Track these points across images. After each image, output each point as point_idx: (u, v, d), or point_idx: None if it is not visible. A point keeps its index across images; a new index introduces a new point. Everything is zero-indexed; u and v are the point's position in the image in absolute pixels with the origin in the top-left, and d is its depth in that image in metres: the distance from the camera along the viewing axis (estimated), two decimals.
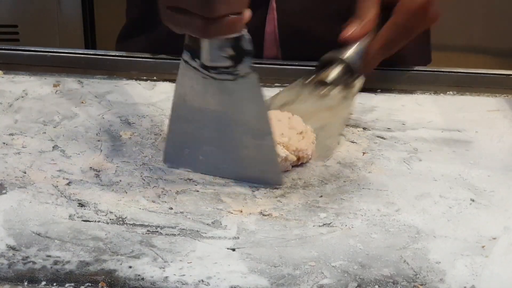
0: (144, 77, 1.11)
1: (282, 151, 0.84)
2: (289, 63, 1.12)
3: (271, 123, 0.80)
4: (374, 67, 1.02)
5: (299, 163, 0.87)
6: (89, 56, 1.13)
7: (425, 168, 0.88)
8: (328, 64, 0.99)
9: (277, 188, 0.83)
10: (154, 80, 1.10)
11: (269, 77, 1.09)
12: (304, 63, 1.09)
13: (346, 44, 0.99)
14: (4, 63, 1.13)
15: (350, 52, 0.99)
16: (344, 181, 0.85)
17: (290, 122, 0.89)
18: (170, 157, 0.86)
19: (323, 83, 0.98)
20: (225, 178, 0.84)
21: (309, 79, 0.99)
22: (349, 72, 0.98)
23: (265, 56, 1.13)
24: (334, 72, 0.98)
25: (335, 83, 0.98)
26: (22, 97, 1.04)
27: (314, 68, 1.00)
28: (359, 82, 0.98)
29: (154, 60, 1.13)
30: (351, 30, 0.99)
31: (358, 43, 0.99)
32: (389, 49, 1.00)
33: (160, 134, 0.94)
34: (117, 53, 1.14)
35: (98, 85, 1.07)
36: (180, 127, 0.84)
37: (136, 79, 1.10)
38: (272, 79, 1.10)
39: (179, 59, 1.09)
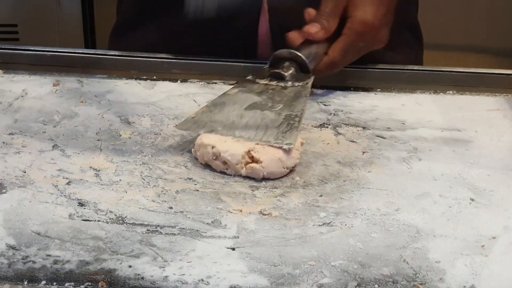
0: (144, 77, 1.11)
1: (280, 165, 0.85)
2: None
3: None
4: (324, 75, 1.04)
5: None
6: (88, 55, 1.13)
7: (425, 167, 0.88)
8: (281, 61, 0.99)
9: (277, 188, 0.83)
10: (154, 80, 1.10)
11: None
12: None
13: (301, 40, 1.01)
14: (4, 63, 1.13)
15: (306, 52, 0.99)
16: (344, 181, 0.85)
17: None
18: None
19: (278, 77, 0.97)
20: (226, 177, 0.84)
21: (261, 75, 0.98)
22: (303, 71, 0.99)
23: (258, 57, 1.14)
24: (290, 70, 0.98)
25: (290, 78, 0.97)
26: (22, 96, 1.04)
27: (266, 63, 1.00)
28: (311, 81, 0.98)
29: (154, 59, 1.13)
30: (316, 29, 1.01)
31: (314, 45, 1.01)
32: (340, 63, 1.03)
33: (160, 134, 0.94)
34: (116, 53, 1.14)
35: (97, 84, 1.07)
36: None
37: (135, 79, 1.10)
38: None
39: (178, 59, 1.10)
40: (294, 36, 1.02)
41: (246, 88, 0.96)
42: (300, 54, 0.98)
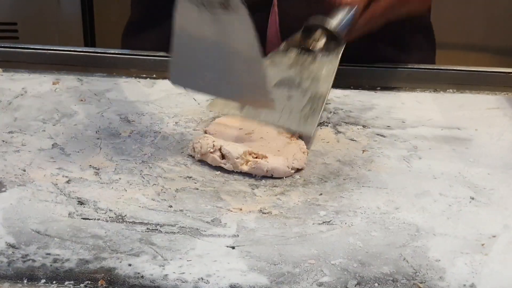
0: (144, 75, 1.11)
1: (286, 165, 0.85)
2: None
3: (260, 50, 0.82)
4: (356, 37, 1.01)
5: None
6: (88, 54, 1.13)
7: (425, 166, 0.88)
8: (312, 30, 0.99)
9: (277, 186, 0.83)
10: (154, 78, 1.10)
11: None
12: None
13: (333, 8, 1.00)
14: (3, 61, 1.13)
15: (336, 21, 0.98)
16: (344, 179, 0.85)
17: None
18: (175, 78, 0.89)
19: (308, 50, 0.98)
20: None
21: (292, 45, 0.99)
22: (333, 40, 0.98)
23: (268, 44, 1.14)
24: (321, 41, 0.98)
25: (320, 51, 0.98)
26: (22, 95, 1.04)
27: (297, 33, 1.00)
28: (341, 51, 0.98)
29: (153, 58, 1.13)
30: None
31: (345, 11, 0.99)
32: (376, 21, 1.02)
33: (160, 132, 0.94)
34: (116, 51, 1.14)
35: (97, 83, 1.07)
36: (182, 52, 0.87)
37: (135, 77, 1.10)
38: None
39: None
40: None
41: (277, 61, 0.97)
42: (331, 22, 0.97)
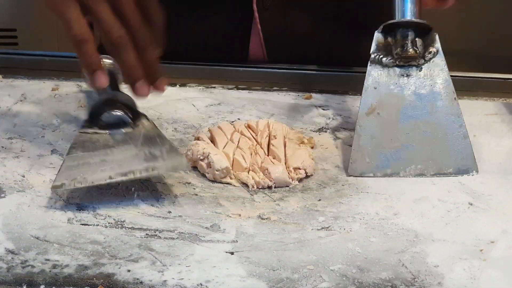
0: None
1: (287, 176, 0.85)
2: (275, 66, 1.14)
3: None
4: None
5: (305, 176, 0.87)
6: None
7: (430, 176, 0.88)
8: (391, 32, 0.91)
9: (275, 192, 0.83)
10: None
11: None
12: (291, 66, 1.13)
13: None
14: (3, 67, 1.13)
15: (410, 9, 0.91)
16: (343, 185, 0.85)
17: (287, 134, 0.90)
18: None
19: (407, 58, 0.90)
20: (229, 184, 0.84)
21: (386, 50, 0.91)
22: (420, 31, 0.90)
23: (250, 57, 1.15)
24: (416, 40, 0.90)
25: (421, 52, 0.90)
26: (21, 101, 1.04)
27: (379, 34, 0.91)
28: (439, 44, 0.91)
29: None
30: None
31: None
32: None
33: None
34: None
35: None
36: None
37: None
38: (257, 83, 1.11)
39: (177, 63, 1.10)
40: None
41: (379, 81, 0.90)
42: (421, 21, 0.90)
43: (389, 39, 0.91)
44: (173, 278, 0.68)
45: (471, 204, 0.81)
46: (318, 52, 1.15)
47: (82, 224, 0.76)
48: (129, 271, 0.69)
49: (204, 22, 1.15)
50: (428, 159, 0.87)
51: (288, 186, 0.84)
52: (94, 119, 0.87)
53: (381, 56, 0.90)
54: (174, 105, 1.04)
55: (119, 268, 0.69)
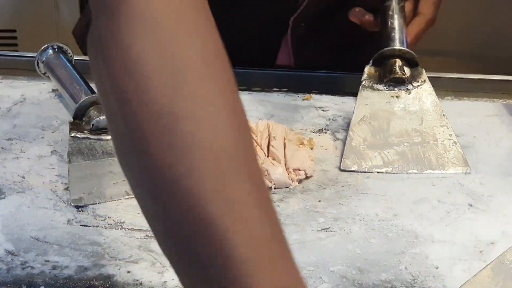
0: None
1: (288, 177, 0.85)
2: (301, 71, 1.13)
3: None
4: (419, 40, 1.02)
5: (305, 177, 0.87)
6: (87, 61, 1.13)
7: (423, 172, 0.88)
8: (386, 59, 0.97)
9: (275, 193, 0.83)
10: None
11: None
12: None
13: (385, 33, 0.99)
14: (2, 68, 1.13)
15: (400, 41, 0.97)
16: (343, 186, 0.85)
17: (287, 135, 0.90)
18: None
19: (397, 81, 0.95)
20: None
21: (374, 80, 0.97)
22: (410, 64, 0.97)
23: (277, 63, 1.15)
24: (405, 67, 0.96)
25: (409, 78, 0.96)
26: (21, 102, 1.04)
27: (368, 67, 0.97)
28: (425, 75, 0.96)
29: None
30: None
31: (398, 30, 0.98)
32: (435, 15, 1.02)
33: None
34: None
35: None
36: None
37: None
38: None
39: None
40: (359, 12, 1.02)
41: (370, 100, 0.95)
42: (409, 50, 0.96)
43: (379, 69, 0.97)
44: (173, 279, 0.68)
45: (471, 205, 0.81)
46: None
47: (82, 225, 0.76)
48: (129, 272, 0.69)
49: (239, 27, 1.15)
50: (419, 158, 0.89)
51: (288, 187, 0.84)
52: (80, 120, 0.88)
53: (371, 83, 0.96)
54: None
55: (119, 269, 0.69)
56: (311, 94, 1.08)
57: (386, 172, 0.88)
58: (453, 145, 0.90)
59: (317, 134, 0.97)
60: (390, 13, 1.00)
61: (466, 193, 0.84)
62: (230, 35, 1.15)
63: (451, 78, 1.11)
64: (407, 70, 0.96)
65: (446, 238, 0.75)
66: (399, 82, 0.96)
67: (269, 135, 0.90)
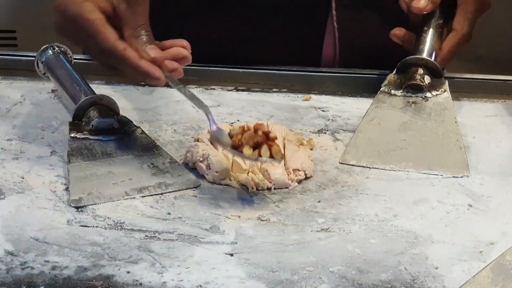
0: (142, 83, 1.11)
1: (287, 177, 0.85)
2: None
3: None
4: (454, 56, 1.03)
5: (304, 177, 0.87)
6: (87, 61, 1.13)
7: (423, 173, 0.88)
8: (409, 67, 0.98)
9: (275, 193, 0.83)
10: (152, 86, 1.10)
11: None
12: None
13: (415, 23, 1.01)
14: (2, 68, 1.13)
15: (427, 53, 0.98)
16: (342, 186, 0.85)
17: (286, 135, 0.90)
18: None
19: (416, 87, 0.96)
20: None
21: (393, 86, 0.98)
22: (434, 75, 0.98)
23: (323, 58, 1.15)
24: (426, 76, 0.97)
25: (428, 87, 0.96)
26: (20, 102, 1.04)
27: (392, 73, 0.99)
28: (447, 86, 0.97)
29: None
30: (424, 3, 1.01)
31: (429, 43, 1.00)
32: (470, 33, 1.03)
33: (158, 139, 0.94)
34: None
35: (96, 90, 1.06)
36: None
37: (134, 84, 1.10)
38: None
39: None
40: (399, 32, 1.03)
41: (386, 104, 0.96)
42: (432, 61, 0.98)
43: (400, 76, 0.98)
44: (172, 280, 0.68)
45: (471, 206, 0.81)
46: (392, 56, 1.13)
47: (82, 226, 0.76)
48: (128, 272, 0.69)
49: (274, 24, 1.14)
50: (420, 159, 0.89)
51: (287, 188, 0.84)
52: (80, 121, 0.89)
53: (390, 89, 0.97)
54: (173, 106, 1.04)
55: (119, 269, 0.69)
56: (311, 94, 1.08)
57: (383, 169, 0.88)
58: (458, 150, 0.90)
59: (317, 134, 0.97)
60: (425, 28, 1.01)
61: (465, 194, 0.84)
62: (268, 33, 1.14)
63: (451, 78, 1.11)
64: (427, 78, 0.96)
65: (446, 239, 0.75)
66: (417, 89, 0.96)
67: None
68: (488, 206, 0.81)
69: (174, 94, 1.08)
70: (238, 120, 1.00)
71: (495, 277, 0.68)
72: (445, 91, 0.96)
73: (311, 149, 0.92)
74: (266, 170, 0.84)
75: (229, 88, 1.10)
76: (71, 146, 0.86)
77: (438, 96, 0.96)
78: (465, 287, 0.67)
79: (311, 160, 0.88)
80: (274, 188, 0.84)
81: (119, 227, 0.76)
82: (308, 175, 0.86)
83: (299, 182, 0.85)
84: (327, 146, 0.94)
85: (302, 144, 0.91)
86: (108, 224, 0.76)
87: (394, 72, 0.99)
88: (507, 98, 1.09)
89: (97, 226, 0.76)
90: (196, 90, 1.09)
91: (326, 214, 0.79)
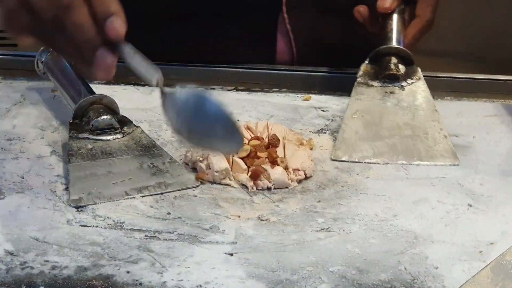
0: (142, 83, 1.11)
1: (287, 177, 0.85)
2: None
3: None
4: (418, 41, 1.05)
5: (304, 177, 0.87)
6: None
7: (423, 173, 0.88)
8: (382, 56, 1.00)
9: (275, 193, 0.83)
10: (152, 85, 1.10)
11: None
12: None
13: (382, 21, 1.03)
14: (2, 68, 1.13)
15: (397, 41, 1.00)
16: (342, 186, 0.85)
17: (286, 135, 0.90)
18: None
19: (392, 77, 0.99)
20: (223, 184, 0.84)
21: (369, 77, 1.00)
22: (406, 63, 1.00)
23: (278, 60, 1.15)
24: (400, 64, 0.99)
25: (403, 76, 0.99)
26: (20, 102, 1.04)
27: (365, 63, 1.01)
28: (420, 73, 1.00)
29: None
30: (389, 2, 1.02)
31: (396, 31, 1.02)
32: (434, 18, 1.05)
33: (158, 139, 0.94)
34: None
35: (96, 90, 1.06)
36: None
37: (133, 84, 1.10)
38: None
39: (177, 65, 1.10)
40: (363, 9, 1.05)
41: (365, 95, 0.98)
42: (405, 49, 1.00)
43: (374, 66, 1.00)
44: (172, 280, 0.68)
45: (471, 206, 0.81)
46: (349, 52, 1.14)
47: (82, 226, 0.76)
48: (128, 272, 0.69)
49: (228, 25, 1.15)
50: (408, 150, 0.91)
51: (287, 188, 0.84)
52: (80, 120, 0.89)
53: (367, 79, 0.99)
54: None
55: (118, 269, 0.69)
56: (311, 94, 1.08)
57: (375, 163, 0.89)
58: (443, 138, 0.92)
59: (317, 134, 0.98)
60: (390, 15, 1.03)
61: (465, 193, 0.84)
62: (225, 31, 1.15)
63: (451, 78, 1.12)
64: (402, 67, 0.99)
65: (446, 239, 0.75)
66: (393, 79, 0.99)
67: (269, 135, 0.90)
68: (488, 206, 0.81)
69: None
70: (238, 120, 1.00)
71: (495, 277, 0.68)
72: (419, 78, 0.99)
73: (311, 149, 0.92)
74: (266, 170, 0.84)
75: (229, 88, 1.10)
76: (71, 146, 0.86)
77: (413, 84, 0.99)
78: (465, 287, 0.67)
79: (311, 160, 0.88)
80: (274, 188, 0.84)
81: (119, 227, 0.76)
82: (308, 175, 0.86)
83: (299, 182, 0.85)
84: (327, 146, 0.94)
85: (302, 144, 0.91)
86: (108, 224, 0.76)
87: (367, 61, 1.01)
88: (507, 98, 1.09)
89: (97, 226, 0.76)
90: None
91: (326, 214, 0.79)
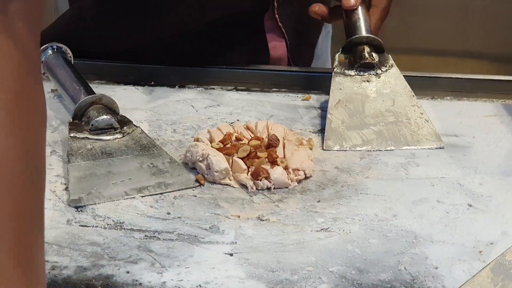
0: (142, 82, 1.11)
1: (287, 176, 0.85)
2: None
3: None
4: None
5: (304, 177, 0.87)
6: (86, 61, 1.13)
7: (423, 173, 0.88)
8: (353, 46, 1.03)
9: (275, 193, 0.83)
10: (152, 85, 1.10)
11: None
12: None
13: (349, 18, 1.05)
14: None
15: (366, 30, 1.03)
16: (342, 186, 0.85)
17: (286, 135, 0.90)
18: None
19: (367, 66, 1.01)
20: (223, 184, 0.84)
21: (345, 66, 1.02)
22: (377, 51, 1.03)
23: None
24: (373, 53, 1.02)
25: (378, 64, 1.02)
26: None
27: (339, 53, 1.03)
28: (391, 60, 1.02)
29: (152, 66, 1.13)
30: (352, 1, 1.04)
31: (363, 20, 1.04)
32: (386, 14, 1.07)
33: (158, 139, 0.94)
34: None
35: (96, 90, 1.07)
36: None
37: (133, 84, 1.10)
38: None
39: (176, 65, 1.10)
40: (319, 8, 1.07)
41: (344, 85, 1.00)
42: (376, 37, 1.03)
43: (348, 56, 1.03)
44: (172, 280, 0.68)
45: (470, 206, 0.81)
46: None
47: (81, 226, 0.76)
48: (128, 272, 0.69)
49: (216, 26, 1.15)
50: (395, 136, 0.94)
51: (287, 188, 0.84)
52: (80, 120, 0.90)
53: (343, 69, 1.02)
54: (173, 106, 1.04)
55: (118, 269, 0.69)
56: (311, 94, 1.08)
57: (366, 150, 0.92)
58: (425, 122, 0.95)
59: (317, 134, 0.97)
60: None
61: (465, 193, 0.84)
62: (214, 31, 1.15)
63: (451, 78, 1.11)
64: (375, 55, 1.02)
65: (446, 239, 0.75)
66: (368, 67, 1.02)
67: (269, 135, 0.90)
68: (488, 206, 0.81)
69: (173, 94, 1.08)
70: (238, 120, 1.00)
71: (494, 277, 0.68)
72: (392, 65, 1.02)
73: (311, 149, 0.92)
74: (266, 170, 0.84)
75: (229, 88, 1.10)
76: (70, 146, 0.86)
77: (387, 71, 1.02)
78: (465, 287, 0.67)
79: (310, 160, 0.88)
80: (274, 188, 0.84)
81: (119, 227, 0.76)
82: (307, 175, 0.86)
83: (299, 181, 0.85)
84: None
85: (301, 144, 0.91)
86: (108, 224, 0.76)
87: (340, 51, 1.03)
88: (507, 98, 1.09)
89: (96, 226, 0.76)
90: (195, 90, 1.09)
91: (326, 214, 0.79)
